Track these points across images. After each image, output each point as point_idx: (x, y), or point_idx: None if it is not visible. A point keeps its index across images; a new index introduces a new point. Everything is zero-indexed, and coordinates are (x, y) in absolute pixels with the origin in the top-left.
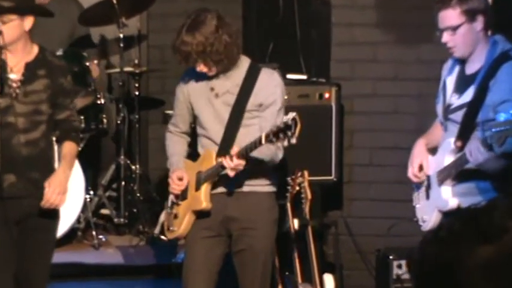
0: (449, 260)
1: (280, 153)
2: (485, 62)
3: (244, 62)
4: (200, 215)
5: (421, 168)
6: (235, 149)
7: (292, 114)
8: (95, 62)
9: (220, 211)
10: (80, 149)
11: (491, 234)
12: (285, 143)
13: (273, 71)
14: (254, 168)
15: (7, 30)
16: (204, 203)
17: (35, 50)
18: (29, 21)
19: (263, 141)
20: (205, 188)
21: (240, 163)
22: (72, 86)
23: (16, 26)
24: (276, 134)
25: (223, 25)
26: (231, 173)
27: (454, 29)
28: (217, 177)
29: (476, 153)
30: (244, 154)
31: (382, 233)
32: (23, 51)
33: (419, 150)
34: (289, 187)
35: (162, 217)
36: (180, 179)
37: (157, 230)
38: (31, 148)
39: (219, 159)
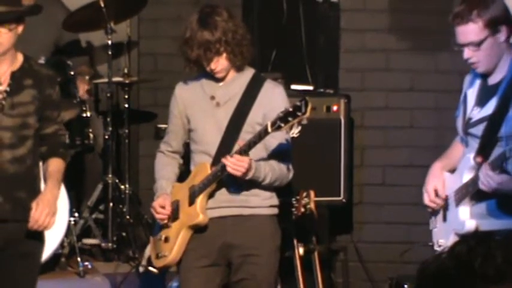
0: None
1: (290, 174)
2: (507, 71)
3: (249, 71)
4: (195, 239)
5: (437, 193)
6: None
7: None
8: (86, 77)
9: (218, 237)
10: None
11: (495, 277)
12: (295, 130)
13: (277, 83)
14: (254, 188)
15: (10, 38)
16: (201, 216)
17: (20, 58)
18: (22, 27)
19: (269, 129)
20: (200, 200)
21: (243, 159)
22: (60, 98)
23: (16, 33)
24: (284, 118)
25: (234, 17)
26: (235, 173)
27: (478, 44)
28: (215, 183)
29: (486, 180)
30: (246, 150)
31: (395, 260)
32: (10, 59)
33: (433, 174)
34: (293, 209)
35: (148, 249)
36: (163, 207)
37: (144, 262)
38: (18, 165)
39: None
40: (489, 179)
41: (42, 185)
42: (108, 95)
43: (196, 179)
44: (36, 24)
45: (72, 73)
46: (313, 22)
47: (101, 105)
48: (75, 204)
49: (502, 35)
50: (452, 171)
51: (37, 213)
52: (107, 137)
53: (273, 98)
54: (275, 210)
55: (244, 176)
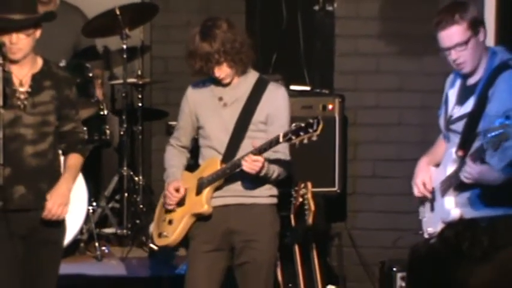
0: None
1: (290, 168)
2: (484, 72)
3: (253, 74)
4: (200, 226)
5: (425, 186)
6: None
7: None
8: (99, 81)
9: (222, 224)
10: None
11: (482, 258)
12: (305, 141)
13: (280, 85)
14: (256, 180)
15: (28, 43)
16: (206, 206)
17: (39, 61)
18: (39, 31)
19: (281, 139)
20: (207, 192)
21: (258, 159)
22: (77, 97)
23: (34, 38)
24: (296, 132)
25: (233, 27)
26: (251, 171)
27: (463, 44)
28: (222, 179)
29: (469, 171)
30: (257, 154)
31: (386, 245)
32: (30, 62)
33: (420, 168)
34: (292, 199)
35: (151, 228)
36: (177, 190)
37: (150, 241)
38: (40, 159)
39: (234, 159)
40: (471, 170)
41: None
42: (123, 94)
43: (205, 172)
44: (57, 31)
45: (90, 75)
46: (311, 28)
47: (117, 104)
48: (94, 195)
49: (481, 35)
50: (437, 165)
51: (50, 204)
52: (122, 133)
53: (276, 99)
54: (274, 200)
55: (257, 174)
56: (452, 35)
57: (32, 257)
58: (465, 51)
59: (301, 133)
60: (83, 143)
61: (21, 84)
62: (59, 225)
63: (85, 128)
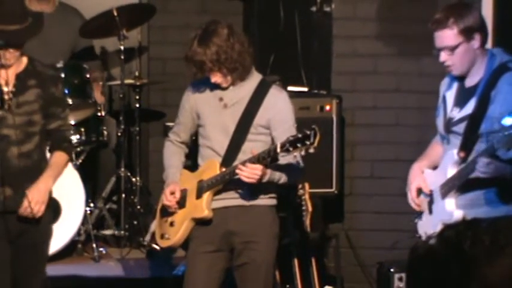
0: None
1: (302, 169)
2: (484, 74)
3: (256, 77)
4: (200, 227)
5: (419, 192)
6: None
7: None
8: (100, 83)
9: (222, 225)
10: (79, 161)
11: (484, 258)
12: (302, 153)
13: (281, 89)
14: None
15: (16, 53)
16: (206, 211)
17: (24, 60)
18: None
19: (278, 150)
20: (207, 196)
21: (256, 167)
22: (64, 95)
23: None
24: (293, 143)
25: (234, 34)
26: (250, 181)
27: (452, 49)
28: (222, 184)
29: (483, 167)
30: (255, 162)
31: (383, 246)
32: (16, 63)
33: (414, 174)
34: (290, 199)
35: (153, 226)
36: (172, 193)
37: (147, 238)
38: (25, 160)
39: (234, 165)
40: (485, 167)
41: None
42: (121, 95)
43: (205, 175)
44: (56, 31)
45: (87, 76)
46: (308, 29)
47: (114, 105)
48: (91, 196)
49: (475, 42)
50: (434, 168)
51: (26, 202)
52: (119, 134)
53: (277, 103)
54: (274, 201)
55: (258, 182)
56: (442, 37)
57: (19, 259)
58: (453, 55)
59: (299, 144)
60: (69, 141)
61: (6, 84)
62: (47, 228)
63: (82, 129)
